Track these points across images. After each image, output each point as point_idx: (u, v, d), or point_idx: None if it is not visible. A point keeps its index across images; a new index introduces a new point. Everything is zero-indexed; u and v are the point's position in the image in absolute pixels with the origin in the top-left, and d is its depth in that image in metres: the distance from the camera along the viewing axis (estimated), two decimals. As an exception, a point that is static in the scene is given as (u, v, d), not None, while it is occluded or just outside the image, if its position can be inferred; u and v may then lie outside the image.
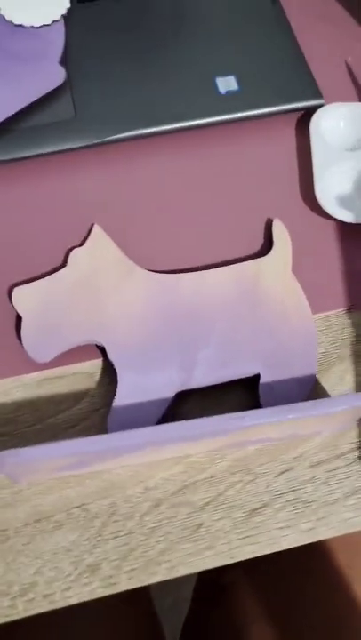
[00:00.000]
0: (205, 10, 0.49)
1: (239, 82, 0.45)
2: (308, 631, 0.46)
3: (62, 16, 0.46)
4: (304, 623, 0.47)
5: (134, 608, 0.53)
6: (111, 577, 0.33)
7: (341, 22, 0.51)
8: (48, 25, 0.46)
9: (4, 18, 0.45)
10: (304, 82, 0.46)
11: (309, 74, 0.46)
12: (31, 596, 0.32)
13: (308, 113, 0.45)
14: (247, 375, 0.36)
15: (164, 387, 0.35)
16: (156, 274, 0.38)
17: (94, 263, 0.38)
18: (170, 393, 0.35)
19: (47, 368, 0.37)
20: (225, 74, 0.46)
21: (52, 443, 0.29)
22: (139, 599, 0.53)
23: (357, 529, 0.34)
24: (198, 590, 0.58)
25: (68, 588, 0.33)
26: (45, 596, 0.32)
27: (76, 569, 0.33)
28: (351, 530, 0.34)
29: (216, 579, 0.55)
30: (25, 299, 0.37)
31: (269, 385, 0.35)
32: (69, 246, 0.40)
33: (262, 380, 0.35)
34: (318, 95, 0.45)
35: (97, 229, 0.39)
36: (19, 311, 0.36)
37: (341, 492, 0.35)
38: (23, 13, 0.45)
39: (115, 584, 0.33)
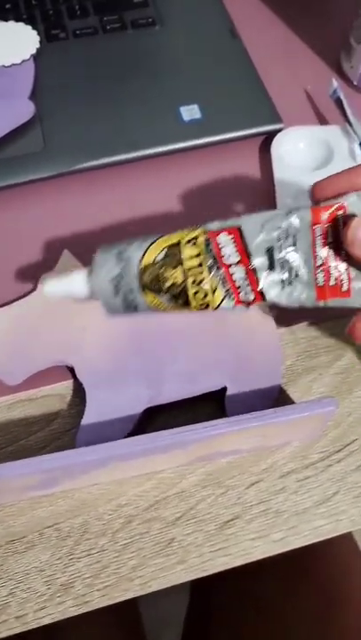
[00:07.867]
0: (169, 44, 0.51)
1: (202, 110, 0.47)
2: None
3: (32, 55, 0.48)
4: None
5: (122, 631, 0.52)
6: (84, 595, 0.33)
7: (299, 53, 0.53)
8: (18, 64, 0.48)
9: (-27, 58, 0.47)
10: (264, 107, 0.47)
11: (269, 100, 0.48)
12: (4, 617, 0.32)
13: (270, 137, 0.47)
14: (215, 388, 0.36)
15: (133, 403, 0.36)
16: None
17: (63, 286, 0.39)
18: (138, 409, 0.35)
19: (18, 391, 0.37)
20: (188, 103, 0.48)
21: (12, 461, 0.29)
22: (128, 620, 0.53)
23: (328, 536, 0.34)
24: (191, 610, 0.58)
25: (41, 609, 0.32)
26: (18, 618, 0.32)
27: (49, 588, 0.33)
28: (322, 538, 0.34)
29: (209, 597, 0.54)
30: (-5, 323, 0.37)
31: (235, 397, 0.36)
32: (40, 272, 0.41)
33: (229, 392, 0.36)
34: (278, 119, 0.47)
35: (66, 254, 0.40)
36: (-12, 335, 0.37)
37: (312, 501, 0.35)
38: (-9, 53, 0.47)
39: (87, 602, 0.33)
